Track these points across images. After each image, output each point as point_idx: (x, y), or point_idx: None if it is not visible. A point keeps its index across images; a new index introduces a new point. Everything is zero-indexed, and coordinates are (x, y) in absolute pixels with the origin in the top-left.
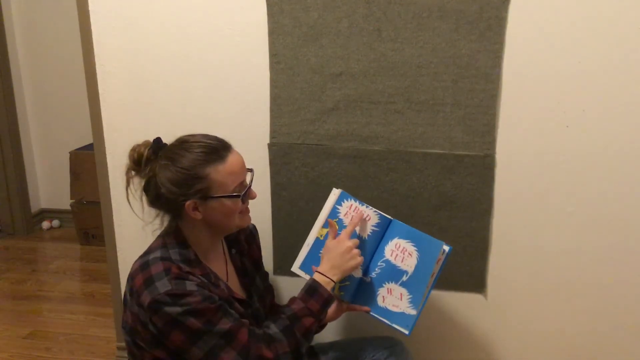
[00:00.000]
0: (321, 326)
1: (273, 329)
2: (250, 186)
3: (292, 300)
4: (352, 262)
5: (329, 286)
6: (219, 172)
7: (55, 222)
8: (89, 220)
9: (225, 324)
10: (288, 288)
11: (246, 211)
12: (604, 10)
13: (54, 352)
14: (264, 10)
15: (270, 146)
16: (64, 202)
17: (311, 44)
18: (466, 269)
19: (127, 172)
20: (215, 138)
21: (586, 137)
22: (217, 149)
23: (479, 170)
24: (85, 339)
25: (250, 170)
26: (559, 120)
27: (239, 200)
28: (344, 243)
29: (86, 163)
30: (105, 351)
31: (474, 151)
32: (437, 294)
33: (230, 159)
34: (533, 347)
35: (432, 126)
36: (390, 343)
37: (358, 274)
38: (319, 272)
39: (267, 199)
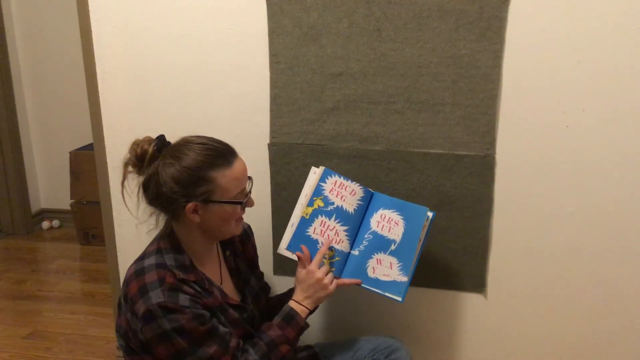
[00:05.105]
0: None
1: (252, 355)
2: (250, 194)
3: (269, 326)
4: (323, 293)
5: (304, 314)
6: (225, 177)
7: (55, 222)
8: (89, 220)
9: (210, 348)
10: (287, 289)
11: (241, 219)
12: (604, 10)
13: (54, 352)
14: (264, 10)
15: (270, 146)
16: (64, 202)
17: (311, 44)
18: (466, 269)
19: (125, 166)
20: (220, 142)
21: (586, 137)
22: (225, 153)
23: (479, 170)
24: (85, 339)
25: (250, 178)
26: (559, 120)
27: (239, 207)
28: (314, 275)
29: (86, 163)
30: (105, 351)
31: (474, 151)
32: (437, 293)
33: (237, 165)
34: (533, 347)
35: (432, 126)
36: (390, 342)
37: (347, 248)
38: (295, 301)
39: (267, 199)
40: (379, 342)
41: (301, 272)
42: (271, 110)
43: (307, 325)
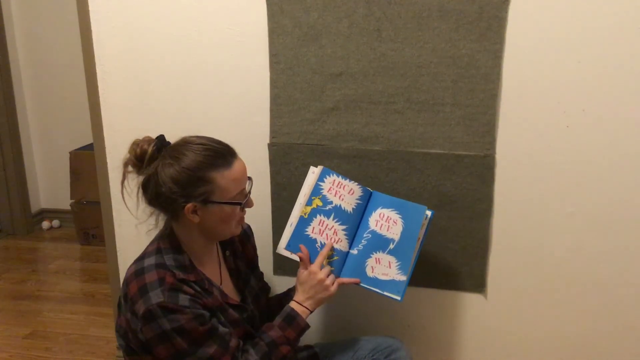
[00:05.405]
0: None
1: (253, 355)
2: (249, 194)
3: (270, 326)
4: (324, 294)
5: (305, 315)
6: (224, 178)
7: (55, 222)
8: (89, 220)
9: (210, 348)
10: (287, 288)
11: (242, 220)
12: (604, 10)
13: (54, 352)
14: (264, 10)
15: (270, 146)
16: (64, 202)
17: (311, 44)
18: (466, 269)
19: (125, 166)
20: (220, 142)
21: (586, 137)
22: (224, 154)
23: (479, 170)
24: (85, 339)
25: (250, 178)
26: (559, 120)
27: (238, 207)
28: (316, 276)
29: (86, 163)
30: (105, 351)
31: (474, 151)
32: (437, 293)
33: (236, 166)
34: (533, 347)
35: (432, 126)
36: (390, 342)
37: (345, 247)
38: (297, 302)
39: (267, 199)
40: (379, 342)
41: (303, 272)
42: (271, 110)
43: (308, 326)
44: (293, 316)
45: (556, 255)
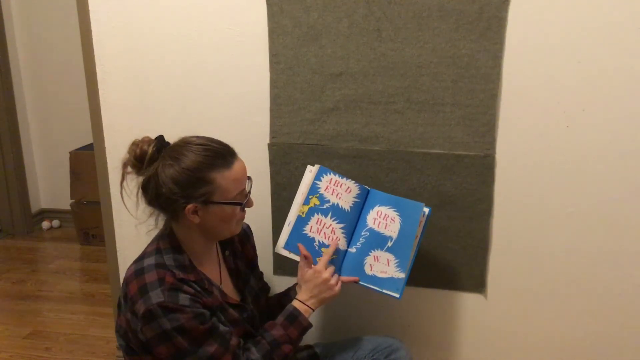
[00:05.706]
0: None
1: (255, 354)
2: (249, 194)
3: (272, 325)
4: (329, 294)
5: (307, 314)
6: (225, 178)
7: (55, 222)
8: (89, 220)
9: (210, 347)
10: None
11: (242, 219)
12: (604, 10)
13: (54, 352)
14: (264, 10)
15: (270, 146)
16: (64, 202)
17: (311, 44)
18: (466, 269)
19: (124, 166)
20: (220, 142)
21: (586, 137)
22: (224, 154)
23: (479, 170)
24: (85, 339)
25: (249, 178)
26: (559, 120)
27: (238, 207)
28: (321, 275)
29: (86, 163)
30: (105, 351)
31: (474, 151)
32: (437, 293)
33: (236, 166)
34: (533, 347)
35: (432, 126)
36: (390, 342)
37: (343, 246)
38: (299, 301)
39: (267, 199)
40: (379, 342)
41: (307, 271)
42: (271, 110)
43: (310, 325)
44: (295, 315)
45: (556, 255)
